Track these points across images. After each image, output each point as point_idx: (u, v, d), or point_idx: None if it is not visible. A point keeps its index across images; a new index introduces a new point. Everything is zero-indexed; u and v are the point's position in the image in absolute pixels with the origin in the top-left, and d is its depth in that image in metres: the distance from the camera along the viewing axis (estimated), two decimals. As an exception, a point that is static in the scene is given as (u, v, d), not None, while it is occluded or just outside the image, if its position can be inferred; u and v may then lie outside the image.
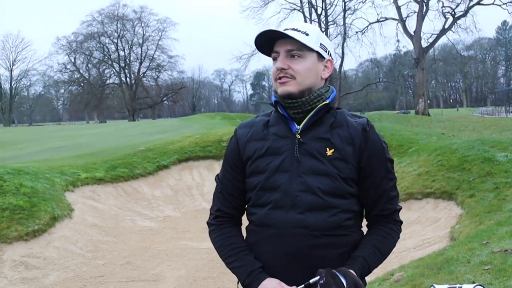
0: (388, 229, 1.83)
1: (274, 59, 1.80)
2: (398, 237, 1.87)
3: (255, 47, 1.82)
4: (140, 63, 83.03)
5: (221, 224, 1.90)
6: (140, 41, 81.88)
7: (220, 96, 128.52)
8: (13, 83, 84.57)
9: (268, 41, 1.79)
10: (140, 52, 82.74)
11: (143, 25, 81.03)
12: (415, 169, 8.97)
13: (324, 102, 1.78)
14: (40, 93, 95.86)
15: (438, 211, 7.56)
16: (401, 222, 1.88)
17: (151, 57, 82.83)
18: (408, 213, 7.63)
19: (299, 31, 1.75)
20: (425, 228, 7.22)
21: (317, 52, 1.78)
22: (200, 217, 9.50)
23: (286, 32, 1.73)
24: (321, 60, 1.81)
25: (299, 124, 1.79)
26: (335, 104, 1.86)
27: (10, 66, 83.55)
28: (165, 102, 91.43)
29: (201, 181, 11.53)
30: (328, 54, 1.82)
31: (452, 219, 7.03)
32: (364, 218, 1.88)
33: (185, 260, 7.00)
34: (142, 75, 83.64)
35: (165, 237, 8.24)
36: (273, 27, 1.87)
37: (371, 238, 1.81)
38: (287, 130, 1.80)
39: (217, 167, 11.88)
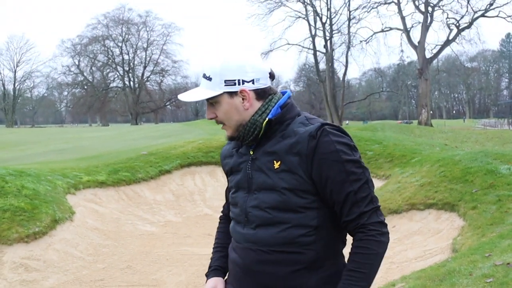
0: (356, 244, 1.68)
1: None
2: (378, 240, 1.66)
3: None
4: (144, 67, 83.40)
5: (220, 219, 2.18)
6: (145, 45, 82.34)
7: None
8: (16, 84, 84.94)
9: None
10: (144, 56, 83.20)
11: (148, 29, 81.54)
12: (417, 179, 8.94)
13: (265, 121, 1.74)
14: (43, 95, 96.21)
15: (440, 222, 7.53)
16: (379, 222, 1.68)
17: (155, 62, 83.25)
18: (410, 223, 7.61)
19: (205, 77, 1.76)
20: (426, 239, 7.19)
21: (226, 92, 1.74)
22: (202, 222, 9.48)
23: (190, 94, 1.81)
24: (234, 95, 1.74)
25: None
26: (291, 111, 1.78)
27: (14, 67, 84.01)
28: (168, 106, 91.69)
29: (203, 187, 11.51)
30: (239, 83, 1.73)
31: (454, 230, 7.00)
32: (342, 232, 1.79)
33: (185, 265, 6.99)
34: (145, 79, 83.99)
35: (166, 242, 8.23)
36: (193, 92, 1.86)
37: (348, 262, 1.70)
38: (246, 148, 1.84)
39: (219, 173, 11.86)
